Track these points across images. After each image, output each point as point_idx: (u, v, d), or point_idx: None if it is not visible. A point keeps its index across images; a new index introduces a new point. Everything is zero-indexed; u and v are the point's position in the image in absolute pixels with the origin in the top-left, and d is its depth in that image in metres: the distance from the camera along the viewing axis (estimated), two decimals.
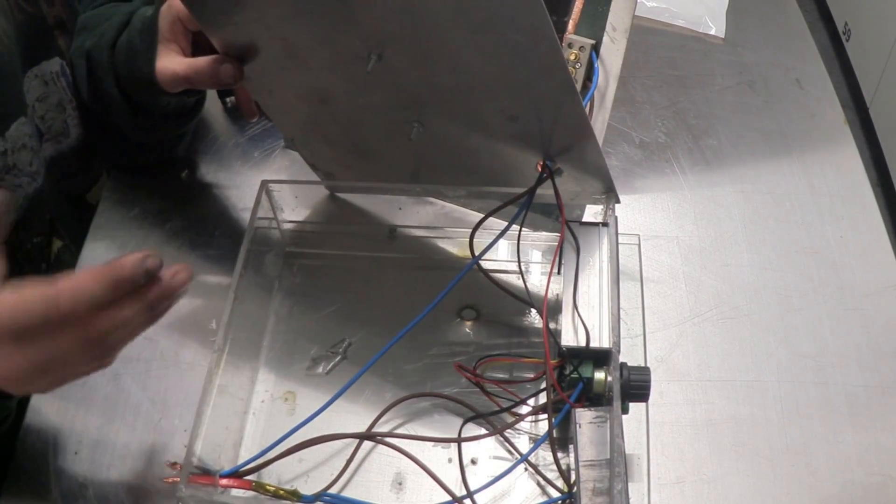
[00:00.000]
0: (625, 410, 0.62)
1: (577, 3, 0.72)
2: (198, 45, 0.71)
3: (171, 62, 0.69)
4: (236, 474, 0.61)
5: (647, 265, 0.76)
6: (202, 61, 0.67)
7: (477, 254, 0.66)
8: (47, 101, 0.78)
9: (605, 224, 0.68)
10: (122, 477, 0.65)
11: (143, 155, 0.83)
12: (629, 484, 0.63)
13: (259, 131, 0.87)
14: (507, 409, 0.66)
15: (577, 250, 0.66)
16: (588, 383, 0.62)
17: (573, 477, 0.61)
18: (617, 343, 0.62)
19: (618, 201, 0.68)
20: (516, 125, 0.63)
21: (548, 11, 0.50)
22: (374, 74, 0.60)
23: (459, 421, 0.66)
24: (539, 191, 0.65)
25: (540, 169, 0.65)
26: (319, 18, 0.58)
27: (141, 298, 0.52)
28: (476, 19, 0.53)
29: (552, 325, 0.68)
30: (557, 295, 0.66)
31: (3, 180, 0.73)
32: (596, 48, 0.72)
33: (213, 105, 0.87)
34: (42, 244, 0.80)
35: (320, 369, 0.70)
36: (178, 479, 0.58)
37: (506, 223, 0.66)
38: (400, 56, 0.59)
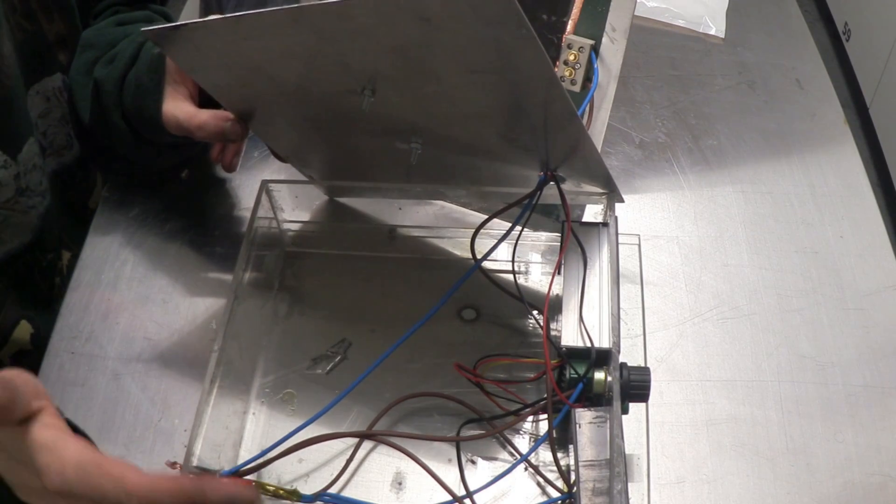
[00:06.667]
0: (625, 410, 0.62)
1: (576, 3, 0.72)
2: None
3: (176, 108, 0.68)
4: (236, 474, 0.61)
5: (647, 265, 0.76)
6: (206, 116, 0.67)
7: (478, 255, 0.66)
8: (50, 117, 0.77)
9: (605, 224, 0.68)
10: None
11: (140, 169, 0.83)
12: (629, 484, 0.62)
13: None
14: (511, 413, 0.66)
15: (583, 257, 0.66)
16: (588, 383, 0.62)
17: (573, 477, 0.61)
18: (617, 343, 0.62)
19: (621, 200, 0.68)
20: (515, 145, 0.63)
21: (547, 13, 0.50)
22: (368, 106, 0.59)
23: (459, 421, 0.66)
24: None
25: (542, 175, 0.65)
26: (308, 60, 0.57)
27: None
28: (474, 62, 0.53)
29: (552, 326, 0.68)
30: (557, 295, 0.66)
31: (17, 203, 0.73)
32: (595, 48, 0.72)
33: None
34: (54, 259, 0.80)
35: (320, 369, 0.70)
36: None
37: (507, 224, 0.66)
38: (393, 91, 0.59)
